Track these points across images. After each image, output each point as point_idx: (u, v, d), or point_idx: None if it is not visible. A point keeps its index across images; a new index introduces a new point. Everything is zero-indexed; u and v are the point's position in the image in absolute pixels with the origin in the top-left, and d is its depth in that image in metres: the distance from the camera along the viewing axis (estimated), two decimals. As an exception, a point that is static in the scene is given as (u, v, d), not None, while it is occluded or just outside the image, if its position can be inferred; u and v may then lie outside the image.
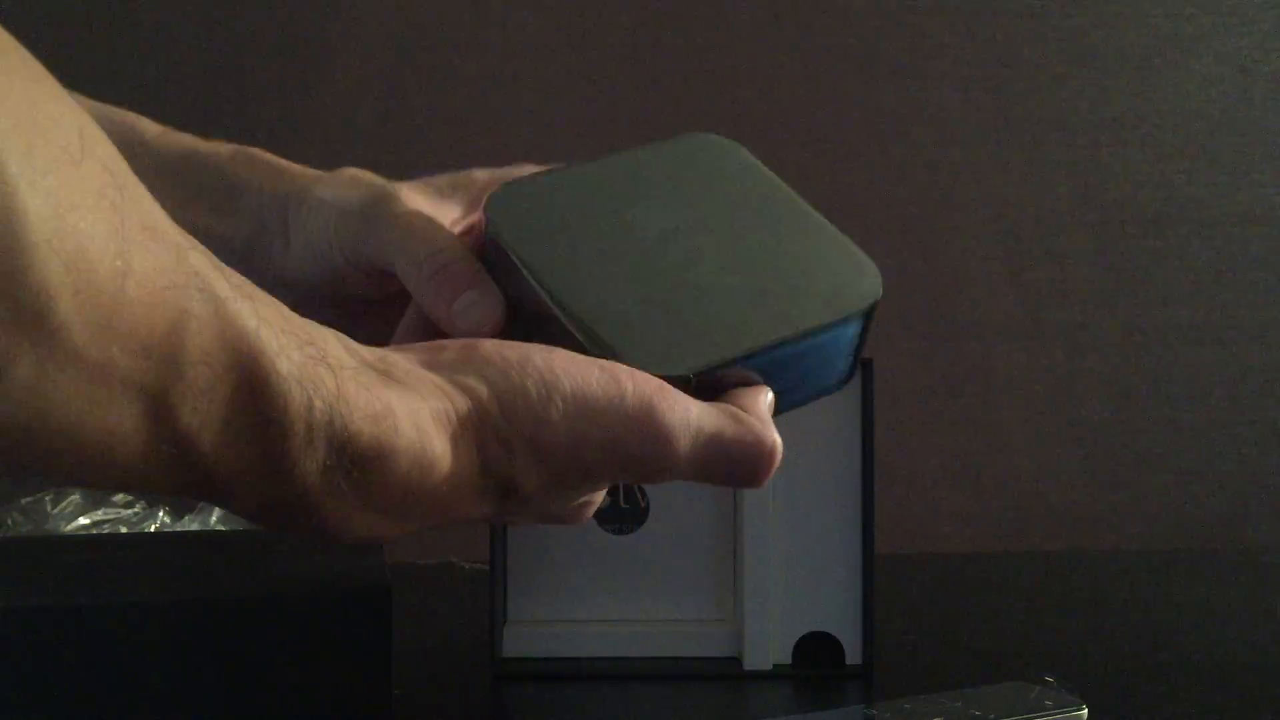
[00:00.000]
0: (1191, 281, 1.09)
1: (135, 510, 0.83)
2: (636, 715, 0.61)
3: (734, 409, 0.46)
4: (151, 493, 0.39)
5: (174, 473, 0.37)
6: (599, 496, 0.49)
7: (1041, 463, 1.08)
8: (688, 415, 0.44)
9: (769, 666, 0.65)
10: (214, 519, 0.82)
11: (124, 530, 0.81)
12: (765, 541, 0.64)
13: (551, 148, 1.12)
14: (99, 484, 0.38)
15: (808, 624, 0.65)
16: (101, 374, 0.33)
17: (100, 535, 0.80)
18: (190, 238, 0.36)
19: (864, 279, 0.50)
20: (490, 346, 0.44)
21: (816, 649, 0.65)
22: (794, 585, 0.64)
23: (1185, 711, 0.60)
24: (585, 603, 0.66)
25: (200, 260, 0.36)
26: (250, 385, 0.37)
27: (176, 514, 0.83)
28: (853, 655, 0.64)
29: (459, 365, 0.43)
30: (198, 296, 0.35)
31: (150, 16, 1.04)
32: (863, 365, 0.64)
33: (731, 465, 0.45)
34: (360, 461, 0.39)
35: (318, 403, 0.38)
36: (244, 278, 0.38)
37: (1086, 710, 0.54)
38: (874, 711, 0.53)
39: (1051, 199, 1.08)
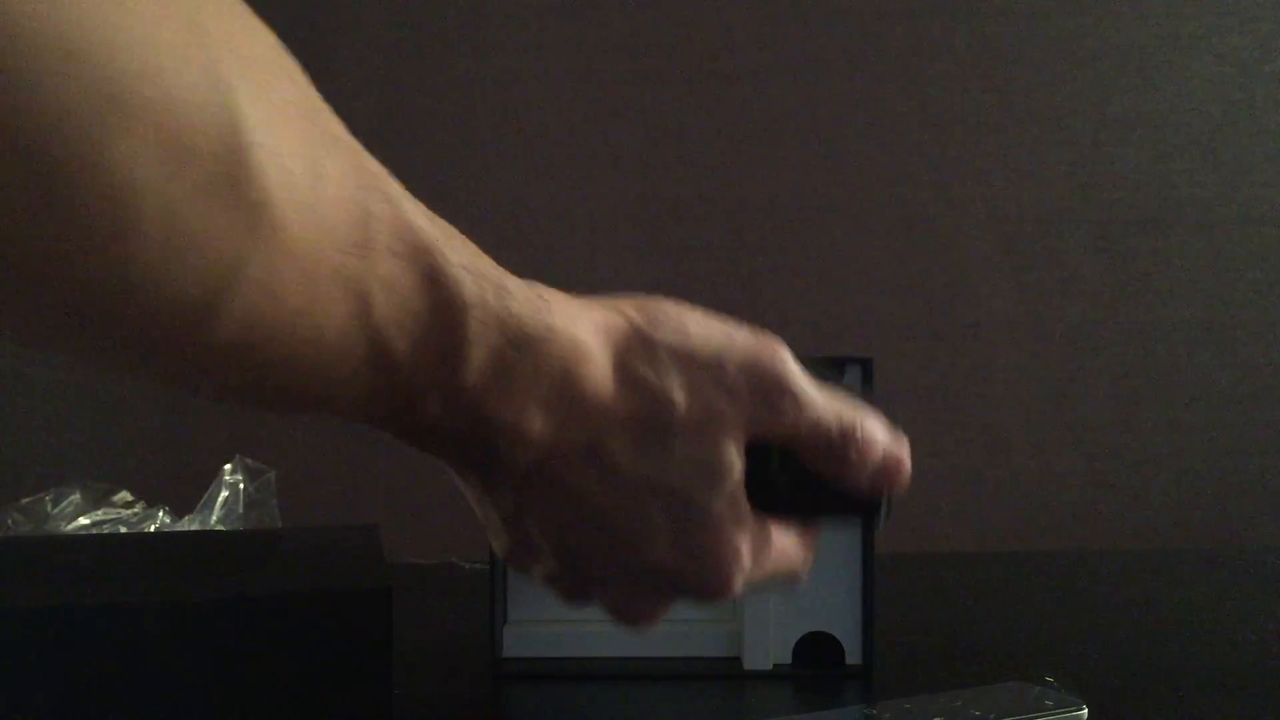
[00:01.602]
0: (1191, 281, 1.09)
1: (135, 510, 0.83)
2: (636, 715, 0.61)
3: None
4: (343, 414, 0.41)
5: (368, 378, 0.39)
6: (746, 550, 0.48)
7: (1041, 463, 1.08)
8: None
9: (769, 666, 0.64)
10: (214, 519, 0.82)
11: (124, 530, 0.81)
12: (765, 541, 0.64)
13: (551, 147, 1.12)
14: (297, 402, 0.40)
15: (808, 624, 0.65)
16: (315, 268, 0.36)
17: (100, 535, 0.80)
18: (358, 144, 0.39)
19: None
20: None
21: (816, 649, 0.65)
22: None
23: (1185, 712, 0.60)
24: (585, 603, 0.66)
25: (374, 164, 0.39)
26: (429, 275, 0.39)
27: (176, 514, 0.83)
28: (853, 655, 0.64)
29: (595, 299, 0.47)
30: (377, 196, 0.38)
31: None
32: (863, 365, 0.64)
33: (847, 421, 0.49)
34: (524, 341, 0.42)
35: (487, 287, 0.41)
36: None
37: (1086, 710, 0.54)
38: (874, 711, 0.53)
39: (1051, 199, 1.08)
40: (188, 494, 0.84)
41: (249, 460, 0.84)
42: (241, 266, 0.33)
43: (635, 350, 0.45)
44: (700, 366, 0.46)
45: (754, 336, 0.47)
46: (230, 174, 0.32)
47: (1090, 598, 0.84)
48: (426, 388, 0.41)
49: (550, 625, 0.65)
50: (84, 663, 0.51)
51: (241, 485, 0.83)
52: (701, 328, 0.46)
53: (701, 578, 0.47)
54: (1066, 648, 0.71)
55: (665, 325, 0.46)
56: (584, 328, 0.44)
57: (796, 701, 0.62)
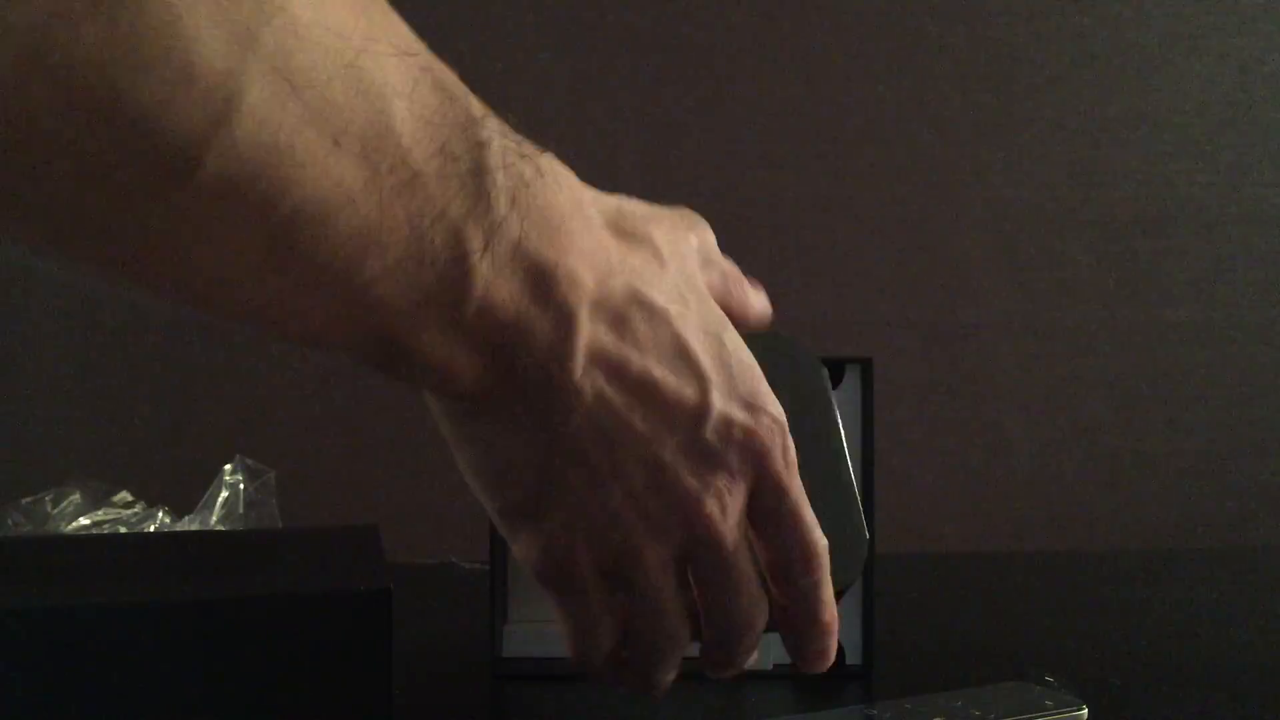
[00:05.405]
0: (1191, 281, 1.09)
1: (135, 510, 0.83)
2: (636, 715, 0.61)
3: None
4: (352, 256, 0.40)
5: (390, 200, 0.39)
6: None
7: (1041, 463, 1.08)
8: None
9: (769, 666, 0.64)
10: (214, 519, 0.82)
11: (124, 530, 0.81)
12: (765, 541, 0.64)
13: (550, 147, 1.12)
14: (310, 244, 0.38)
15: (808, 624, 0.65)
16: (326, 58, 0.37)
17: (100, 535, 0.80)
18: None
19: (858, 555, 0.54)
20: None
21: (816, 649, 0.65)
22: (794, 585, 0.64)
23: (1185, 711, 0.60)
24: (585, 603, 0.65)
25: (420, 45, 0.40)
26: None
27: (176, 514, 0.83)
28: (853, 655, 0.64)
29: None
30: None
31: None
32: (863, 365, 0.64)
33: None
34: (531, 181, 0.44)
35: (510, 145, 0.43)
36: None
37: (1086, 710, 0.54)
38: (874, 711, 0.53)
39: (1051, 199, 1.08)
40: (188, 494, 0.84)
41: (249, 460, 0.84)
42: (254, 43, 0.34)
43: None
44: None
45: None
46: None
47: (1090, 598, 0.84)
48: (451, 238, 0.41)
49: (550, 625, 0.65)
50: (84, 663, 0.51)
51: (241, 485, 0.83)
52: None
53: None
54: (1066, 648, 0.71)
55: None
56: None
57: (796, 701, 0.62)
